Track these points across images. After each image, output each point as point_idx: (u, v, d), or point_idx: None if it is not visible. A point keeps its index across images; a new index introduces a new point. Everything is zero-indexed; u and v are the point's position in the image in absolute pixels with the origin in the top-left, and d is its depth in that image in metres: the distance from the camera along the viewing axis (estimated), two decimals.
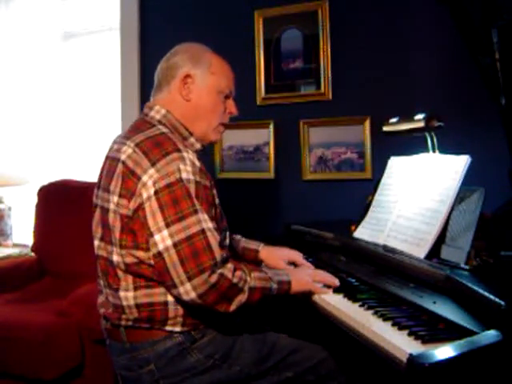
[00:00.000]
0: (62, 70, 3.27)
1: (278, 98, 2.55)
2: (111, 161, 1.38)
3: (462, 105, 2.17)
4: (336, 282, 1.49)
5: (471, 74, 2.02)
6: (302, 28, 2.49)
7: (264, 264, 1.72)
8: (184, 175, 1.26)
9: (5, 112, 3.36)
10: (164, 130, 1.37)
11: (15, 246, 3.08)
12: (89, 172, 2.99)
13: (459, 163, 1.46)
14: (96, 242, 1.41)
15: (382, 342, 1.12)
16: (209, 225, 1.27)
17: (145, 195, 1.25)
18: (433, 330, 1.13)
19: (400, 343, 1.08)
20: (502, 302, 1.02)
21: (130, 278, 1.32)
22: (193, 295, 1.22)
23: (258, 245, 1.74)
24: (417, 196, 1.56)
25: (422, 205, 1.52)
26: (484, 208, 1.36)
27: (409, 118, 1.73)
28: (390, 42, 2.32)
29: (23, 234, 3.14)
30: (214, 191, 1.40)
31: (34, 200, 2.78)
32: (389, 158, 1.80)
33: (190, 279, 1.22)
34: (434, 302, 1.22)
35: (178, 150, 1.30)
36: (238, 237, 1.78)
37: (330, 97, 2.44)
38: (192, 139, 1.44)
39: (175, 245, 1.23)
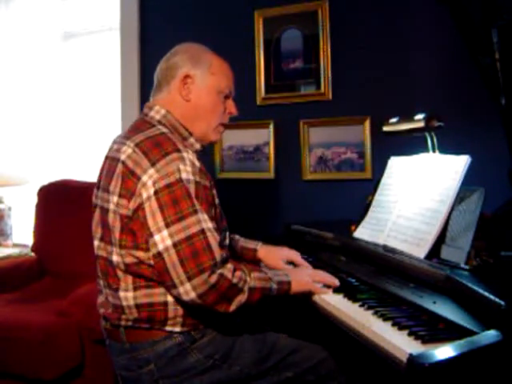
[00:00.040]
0: (62, 70, 3.28)
1: (278, 97, 2.55)
2: (111, 161, 1.38)
3: (462, 105, 2.17)
4: (336, 282, 1.49)
5: (471, 74, 2.02)
6: (302, 28, 2.49)
7: (263, 264, 1.72)
8: (184, 175, 1.26)
9: (5, 112, 3.36)
10: (164, 130, 1.37)
11: (15, 245, 3.08)
12: (89, 172, 2.99)
13: (459, 163, 1.46)
14: (96, 242, 1.41)
15: (382, 342, 1.12)
16: (209, 225, 1.27)
17: (144, 195, 1.25)
18: (433, 330, 1.13)
19: (400, 343, 1.08)
20: (502, 302, 1.02)
21: (129, 279, 1.32)
22: (193, 295, 1.22)
23: (257, 244, 1.74)
24: (417, 196, 1.56)
25: (421, 205, 1.52)
26: (484, 208, 1.35)
27: (409, 118, 1.73)
28: (389, 41, 2.32)
29: (23, 233, 3.14)
30: (214, 191, 1.40)
31: (34, 200, 2.78)
32: (389, 158, 1.80)
33: (189, 279, 1.22)
34: (434, 302, 1.22)
35: (178, 150, 1.30)
36: (237, 237, 1.78)
37: (330, 97, 2.44)
38: (192, 139, 1.44)
39: (175, 245, 1.23)
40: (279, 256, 1.71)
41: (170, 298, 1.31)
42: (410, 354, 0.98)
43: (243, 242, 1.76)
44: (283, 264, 1.69)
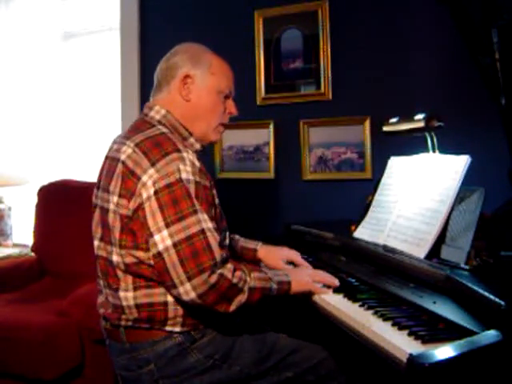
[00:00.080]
0: (62, 70, 3.28)
1: (278, 97, 2.55)
2: (111, 161, 1.38)
3: (462, 105, 2.17)
4: (336, 282, 1.49)
5: (471, 74, 2.02)
6: (302, 28, 2.49)
7: (263, 263, 1.72)
8: (184, 175, 1.26)
9: (5, 112, 3.36)
10: (164, 130, 1.37)
11: (15, 245, 3.08)
12: (89, 172, 2.99)
13: (459, 163, 1.46)
14: (96, 242, 1.41)
15: (382, 342, 1.12)
16: (208, 225, 1.27)
17: (144, 195, 1.25)
18: (433, 330, 1.13)
19: (400, 343, 1.08)
20: (502, 302, 1.02)
21: (129, 279, 1.32)
22: (192, 295, 1.22)
23: (257, 244, 1.75)
24: (417, 196, 1.56)
25: (422, 205, 1.52)
26: (484, 208, 1.35)
27: (409, 118, 1.73)
28: (390, 41, 2.32)
29: (23, 233, 3.14)
30: (214, 191, 1.40)
31: (34, 200, 2.78)
32: (389, 158, 1.80)
33: (189, 279, 1.22)
34: (434, 302, 1.22)
35: (178, 150, 1.30)
36: (237, 236, 1.78)
37: (330, 97, 2.44)
38: (192, 139, 1.44)
39: (175, 245, 1.23)
40: (279, 256, 1.71)
41: (169, 298, 1.31)
42: (410, 354, 0.98)
43: (243, 242, 1.76)
44: (283, 264, 1.69)
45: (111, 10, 3.02)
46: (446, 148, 1.64)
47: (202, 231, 1.25)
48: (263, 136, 2.58)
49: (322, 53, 2.44)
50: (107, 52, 3.11)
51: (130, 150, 1.31)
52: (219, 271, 1.24)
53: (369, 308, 1.32)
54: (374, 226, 1.69)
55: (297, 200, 2.53)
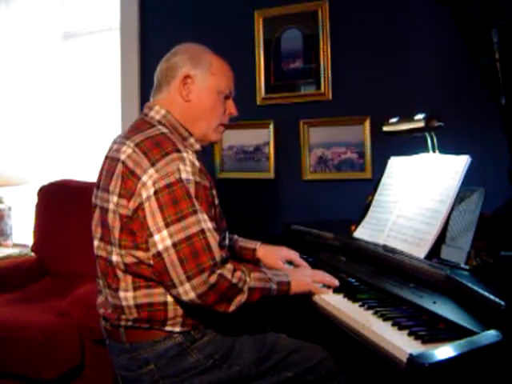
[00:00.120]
0: (62, 70, 3.28)
1: (278, 97, 2.55)
2: (111, 161, 1.38)
3: (462, 105, 2.17)
4: (335, 282, 1.49)
5: (471, 74, 2.02)
6: (302, 28, 2.49)
7: (262, 263, 1.72)
8: (184, 175, 1.26)
9: (5, 112, 3.36)
10: (164, 130, 1.37)
11: (15, 246, 3.08)
12: (89, 172, 2.99)
13: (459, 163, 1.46)
14: (95, 242, 1.41)
15: (381, 342, 1.12)
16: (208, 225, 1.27)
17: (144, 195, 1.25)
18: (433, 330, 1.13)
19: (400, 343, 1.08)
20: (502, 302, 1.02)
21: (129, 278, 1.32)
22: (192, 295, 1.22)
23: (256, 244, 1.75)
24: (417, 196, 1.56)
25: (422, 205, 1.52)
26: (484, 208, 1.35)
27: (409, 118, 1.73)
28: (390, 41, 2.32)
29: (23, 233, 3.14)
30: (214, 191, 1.40)
31: (34, 200, 2.78)
32: (389, 158, 1.80)
33: (189, 279, 1.22)
34: (434, 302, 1.22)
35: (178, 151, 1.30)
36: (236, 236, 1.78)
37: (330, 97, 2.44)
38: (191, 140, 1.44)
39: (175, 245, 1.23)
40: (278, 256, 1.71)
41: (169, 298, 1.31)
42: (410, 354, 0.98)
43: (242, 242, 1.76)
44: (282, 264, 1.69)
45: (111, 10, 3.02)
46: (445, 148, 1.64)
47: (202, 231, 1.25)
48: (263, 136, 2.58)
49: (322, 53, 2.44)
50: (107, 52, 3.11)
51: (129, 150, 1.31)
52: (219, 271, 1.24)
53: (369, 308, 1.32)
54: (374, 226, 1.69)
55: (297, 200, 2.53)
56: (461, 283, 1.18)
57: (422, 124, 1.65)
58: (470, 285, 1.15)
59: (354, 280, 1.55)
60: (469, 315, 1.11)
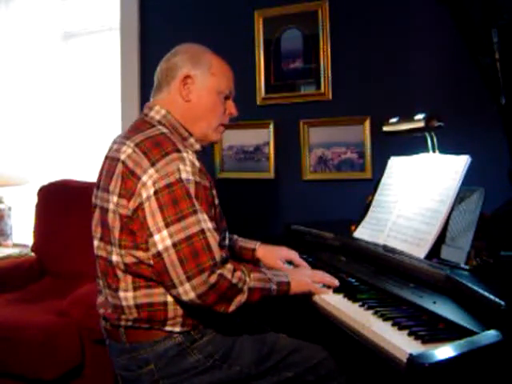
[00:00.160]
0: (62, 70, 3.28)
1: (278, 97, 2.55)
2: (111, 161, 1.38)
3: (462, 105, 2.17)
4: (335, 282, 1.49)
5: (471, 74, 2.02)
6: (302, 28, 2.49)
7: (261, 263, 1.72)
8: (184, 175, 1.26)
9: (5, 112, 3.36)
10: (164, 130, 1.37)
11: (15, 246, 3.08)
12: (89, 172, 2.99)
13: (459, 163, 1.46)
14: (95, 242, 1.41)
15: (381, 342, 1.12)
16: (208, 225, 1.27)
17: (144, 195, 1.25)
18: (433, 330, 1.13)
19: (400, 343, 1.08)
20: (502, 302, 1.02)
21: (129, 278, 1.32)
22: (192, 295, 1.22)
23: (255, 244, 1.75)
24: (417, 196, 1.56)
25: (422, 205, 1.52)
26: (484, 208, 1.35)
27: (409, 118, 1.73)
28: (390, 41, 2.32)
29: (23, 233, 3.14)
30: (214, 191, 1.40)
31: (34, 200, 2.78)
32: (389, 158, 1.80)
33: (189, 279, 1.22)
34: (434, 302, 1.22)
35: (178, 151, 1.30)
36: (235, 236, 1.78)
37: (330, 97, 2.44)
38: (191, 140, 1.44)
39: (175, 245, 1.22)
40: (278, 256, 1.71)
41: (169, 298, 1.31)
42: (410, 354, 0.98)
43: (242, 242, 1.76)
44: (282, 264, 1.69)
45: (111, 10, 3.02)
46: (445, 148, 1.64)
47: (202, 231, 1.25)
48: (263, 136, 2.58)
49: (322, 53, 2.44)
50: (107, 52, 3.11)
51: (129, 150, 1.31)
52: (219, 271, 1.24)
53: (369, 308, 1.32)
54: (374, 226, 1.69)
55: (297, 200, 2.53)
56: (461, 283, 1.18)
57: (422, 124, 1.65)
58: (470, 285, 1.15)
59: (354, 280, 1.55)
60: (469, 315, 1.11)
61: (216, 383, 1.35)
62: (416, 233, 1.49)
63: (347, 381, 1.49)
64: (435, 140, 1.67)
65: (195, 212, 1.25)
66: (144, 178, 1.26)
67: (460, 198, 1.42)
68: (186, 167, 1.28)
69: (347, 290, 1.46)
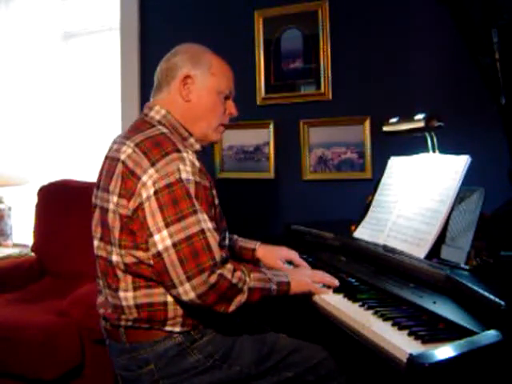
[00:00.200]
0: (62, 70, 3.28)
1: (278, 97, 2.55)
2: (111, 161, 1.38)
3: (462, 105, 2.17)
4: (335, 282, 1.49)
5: (471, 74, 2.02)
6: (302, 28, 2.49)
7: (261, 263, 1.72)
8: (184, 175, 1.26)
9: (5, 112, 3.36)
10: (164, 130, 1.37)
11: (15, 246, 3.08)
12: (89, 172, 2.99)
13: (459, 163, 1.46)
14: (95, 242, 1.41)
15: (381, 342, 1.12)
16: (208, 225, 1.27)
17: (144, 195, 1.25)
18: (433, 330, 1.13)
19: (400, 343, 1.08)
20: (502, 302, 1.02)
21: (129, 278, 1.32)
22: (192, 295, 1.22)
23: (255, 244, 1.75)
24: (417, 196, 1.56)
25: (422, 205, 1.52)
26: (484, 208, 1.35)
27: (409, 118, 1.73)
28: (389, 41, 2.32)
29: (23, 233, 3.14)
30: (214, 192, 1.40)
31: (34, 200, 2.78)
32: (389, 158, 1.80)
33: (189, 279, 1.22)
34: (434, 302, 1.22)
35: (178, 151, 1.30)
36: (235, 236, 1.78)
37: (330, 97, 2.44)
38: (191, 140, 1.44)
39: (175, 245, 1.22)
40: (278, 256, 1.71)
41: (169, 298, 1.31)
42: (410, 354, 0.98)
43: (242, 242, 1.76)
44: (282, 264, 1.69)
45: (111, 10, 3.02)
46: (445, 148, 1.64)
47: (202, 231, 1.25)
48: (263, 136, 2.58)
49: (322, 53, 2.44)
50: (107, 52, 3.11)
51: (129, 150, 1.31)
52: (219, 271, 1.24)
53: (369, 308, 1.32)
54: (374, 226, 1.69)
55: (297, 200, 2.53)
56: (461, 283, 1.18)
57: (422, 124, 1.65)
58: (470, 285, 1.15)
59: (354, 280, 1.56)
60: (469, 315, 1.11)
61: (216, 383, 1.35)
62: (416, 233, 1.49)
63: (347, 381, 1.49)
64: (435, 140, 1.67)
65: (195, 212, 1.25)
66: (144, 178, 1.26)
67: (460, 198, 1.42)
68: (186, 167, 1.28)
69: (347, 290, 1.46)
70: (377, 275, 1.50)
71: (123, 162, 1.31)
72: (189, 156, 1.31)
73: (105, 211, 1.35)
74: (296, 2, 2.49)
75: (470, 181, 1.43)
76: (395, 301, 1.33)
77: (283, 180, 2.57)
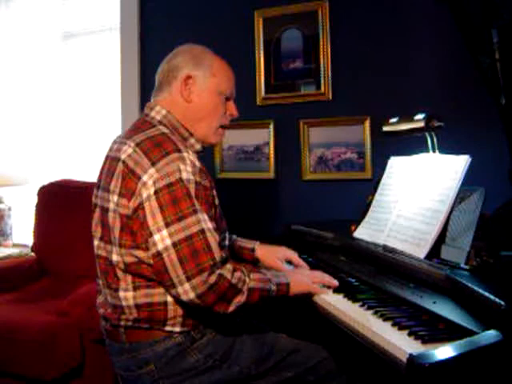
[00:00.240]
0: (62, 70, 3.27)
1: (278, 97, 2.56)
2: (111, 160, 1.38)
3: (462, 105, 2.17)
4: (335, 282, 1.49)
5: (471, 74, 2.02)
6: (302, 28, 2.49)
7: (261, 263, 1.72)
8: (184, 175, 1.26)
9: (5, 112, 3.36)
10: (164, 130, 1.37)
11: (15, 246, 3.08)
12: (89, 172, 2.99)
13: (459, 163, 1.46)
14: (95, 242, 1.41)
15: (381, 342, 1.12)
16: (208, 225, 1.27)
17: (145, 195, 1.25)
18: (433, 330, 1.13)
19: (400, 343, 1.08)
20: (502, 302, 1.02)
21: (129, 278, 1.32)
22: (192, 295, 1.22)
23: (254, 243, 1.75)
24: (417, 196, 1.56)
25: (421, 205, 1.52)
26: (484, 208, 1.35)
27: (409, 117, 1.73)
28: (389, 41, 2.32)
29: (23, 233, 3.14)
30: (214, 192, 1.40)
31: (34, 200, 2.78)
32: (389, 158, 1.80)
33: (188, 279, 1.22)
34: (434, 302, 1.22)
35: (179, 151, 1.30)
36: (234, 236, 1.77)
37: (330, 97, 2.44)
38: (192, 140, 1.44)
39: (174, 244, 1.22)
40: (277, 256, 1.71)
41: (169, 298, 1.31)
42: (410, 354, 0.98)
43: (241, 242, 1.76)
44: (281, 263, 1.69)
45: (111, 10, 3.02)
46: (445, 148, 1.64)
47: (202, 231, 1.25)
48: (263, 136, 2.58)
49: (321, 53, 2.44)
50: (107, 52, 3.11)
51: (130, 150, 1.32)
52: (218, 271, 1.24)
53: (369, 308, 1.31)
54: (373, 226, 1.69)
55: (297, 200, 2.53)
56: (461, 283, 1.18)
57: (422, 124, 1.65)
58: (469, 285, 1.15)
59: (353, 280, 1.56)
60: (469, 315, 1.11)
61: (216, 383, 1.35)
62: (416, 233, 1.49)
63: (347, 381, 1.49)
64: (435, 140, 1.67)
65: (195, 212, 1.25)
66: (144, 178, 1.26)
67: (460, 198, 1.42)
68: (187, 167, 1.28)
69: (347, 290, 1.46)
70: (377, 275, 1.50)
71: (124, 162, 1.31)
72: (189, 156, 1.31)
73: (105, 211, 1.35)
74: (296, 1, 2.49)
75: (469, 181, 1.43)
76: (395, 301, 1.33)
77: (283, 180, 2.57)
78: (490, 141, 2.03)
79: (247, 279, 1.31)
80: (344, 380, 1.48)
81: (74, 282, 2.36)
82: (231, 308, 1.28)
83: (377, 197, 1.76)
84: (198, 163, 1.32)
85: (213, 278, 1.23)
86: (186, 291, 1.22)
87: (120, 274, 1.33)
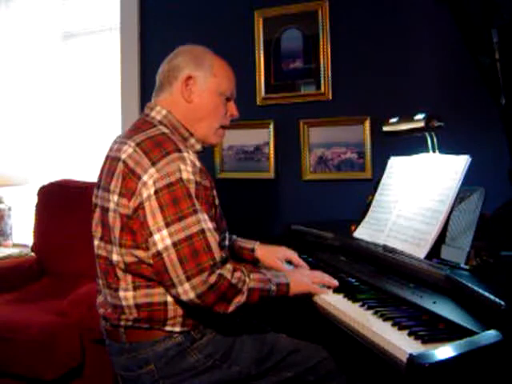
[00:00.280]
0: (62, 70, 3.27)
1: (278, 97, 2.56)
2: (111, 160, 1.38)
3: (462, 105, 2.17)
4: (335, 282, 1.49)
5: (471, 73, 2.02)
6: (302, 28, 2.49)
7: (261, 263, 1.72)
8: (184, 175, 1.26)
9: (5, 112, 3.36)
10: (165, 130, 1.37)
11: (15, 246, 3.08)
12: (89, 172, 2.99)
13: (459, 163, 1.46)
14: (96, 242, 1.41)
15: (381, 342, 1.12)
16: (208, 225, 1.27)
17: (145, 195, 1.25)
18: (433, 330, 1.13)
19: (400, 343, 1.08)
20: (502, 302, 1.02)
21: (129, 278, 1.32)
22: (191, 295, 1.22)
23: (254, 243, 1.75)
24: (417, 196, 1.56)
25: (421, 205, 1.52)
26: (484, 208, 1.35)
27: (409, 118, 1.73)
28: (389, 41, 2.32)
29: (23, 233, 3.14)
30: (214, 192, 1.40)
31: (34, 200, 2.78)
32: (389, 158, 1.80)
33: (188, 279, 1.22)
34: (434, 302, 1.22)
35: (179, 150, 1.30)
36: (234, 236, 1.77)
37: (330, 97, 2.44)
38: (192, 140, 1.44)
39: (175, 244, 1.23)
40: (277, 256, 1.71)
41: (169, 298, 1.31)
42: (410, 354, 0.98)
43: (241, 242, 1.76)
44: (281, 263, 1.69)
45: (111, 10, 3.02)
46: (445, 148, 1.64)
47: (202, 231, 1.25)
48: (263, 136, 2.58)
49: (321, 53, 2.44)
50: (107, 52, 3.11)
51: (130, 150, 1.32)
52: (218, 271, 1.24)
53: (369, 308, 1.31)
54: (373, 226, 1.69)
55: (297, 200, 2.53)
56: (461, 283, 1.19)
57: (422, 124, 1.65)
58: (469, 285, 1.15)
59: (354, 280, 1.56)
60: (469, 315, 1.11)
61: (216, 383, 1.35)
62: (416, 233, 1.49)
63: (347, 381, 1.49)
64: (435, 140, 1.67)
65: (195, 212, 1.25)
66: (145, 178, 1.26)
67: (460, 198, 1.42)
68: (187, 167, 1.28)
69: (347, 290, 1.46)
70: (377, 275, 1.50)
71: (124, 162, 1.31)
72: (190, 156, 1.31)
73: (105, 210, 1.35)
74: (296, 1, 2.49)
75: (469, 181, 1.43)
76: (395, 301, 1.33)
77: (283, 180, 2.57)
78: (489, 141, 2.03)
79: (247, 279, 1.31)
80: (344, 380, 1.48)
81: (74, 282, 2.35)
82: (231, 308, 1.28)
83: (377, 197, 1.76)
84: (198, 163, 1.32)
85: (213, 278, 1.23)
86: (186, 291, 1.22)
87: (120, 273, 1.33)
